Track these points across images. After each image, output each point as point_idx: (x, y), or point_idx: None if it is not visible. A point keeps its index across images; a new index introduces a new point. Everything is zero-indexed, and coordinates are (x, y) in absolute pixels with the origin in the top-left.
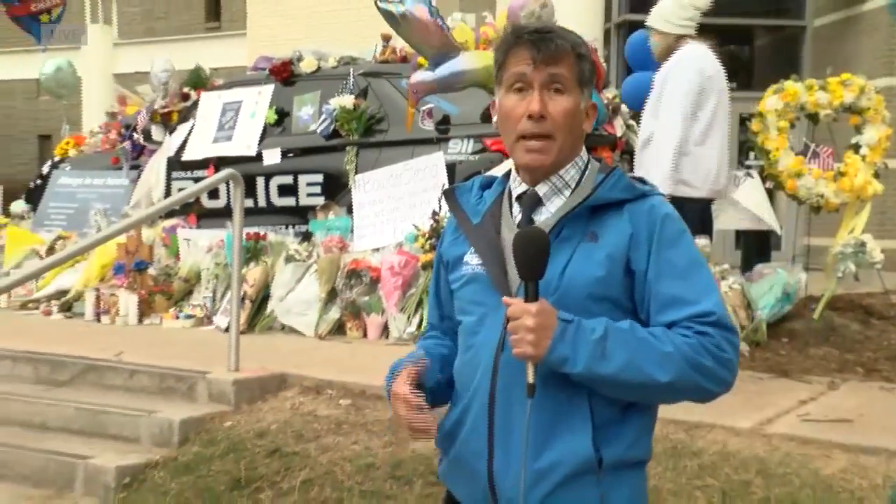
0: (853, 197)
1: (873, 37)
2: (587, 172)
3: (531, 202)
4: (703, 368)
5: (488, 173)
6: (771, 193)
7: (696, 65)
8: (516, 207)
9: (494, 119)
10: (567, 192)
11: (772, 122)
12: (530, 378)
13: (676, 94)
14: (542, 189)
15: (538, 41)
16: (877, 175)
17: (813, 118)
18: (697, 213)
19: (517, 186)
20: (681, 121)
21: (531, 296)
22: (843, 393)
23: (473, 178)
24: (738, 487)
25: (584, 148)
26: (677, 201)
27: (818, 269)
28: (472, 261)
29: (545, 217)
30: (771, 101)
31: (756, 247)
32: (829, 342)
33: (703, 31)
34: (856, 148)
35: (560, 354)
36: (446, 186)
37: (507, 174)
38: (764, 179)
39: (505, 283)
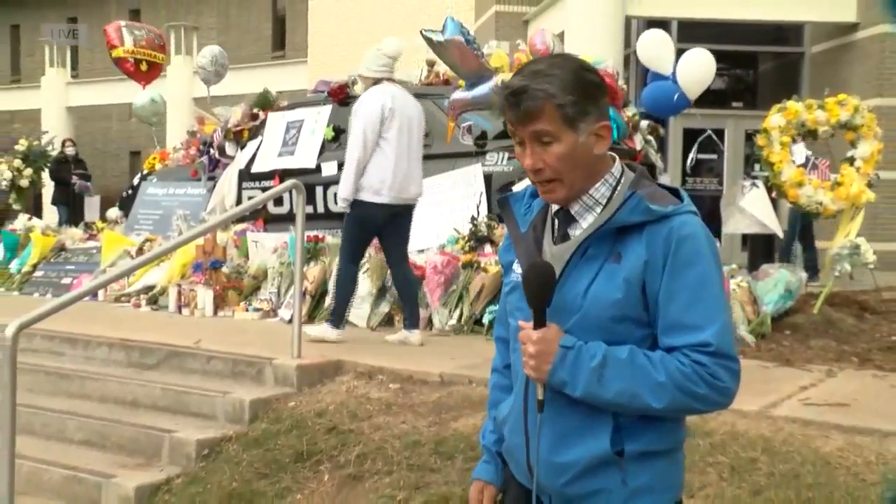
0: (848, 204)
1: (864, 62)
2: (619, 188)
3: (565, 220)
4: (696, 395)
5: (515, 186)
6: (774, 201)
7: (378, 100)
8: (557, 222)
9: None
10: (598, 209)
11: (775, 137)
12: (539, 395)
13: (358, 123)
14: (574, 208)
15: (513, 104)
16: (869, 184)
17: (812, 134)
18: (377, 218)
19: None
20: (360, 143)
21: (537, 322)
22: (840, 380)
23: (526, 187)
24: (745, 464)
25: (616, 162)
26: (365, 206)
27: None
28: (517, 269)
29: (579, 232)
30: (775, 118)
31: (761, 249)
32: (828, 334)
33: (720, 58)
34: (851, 161)
35: (559, 378)
36: (483, 196)
37: None
38: (768, 189)
39: None
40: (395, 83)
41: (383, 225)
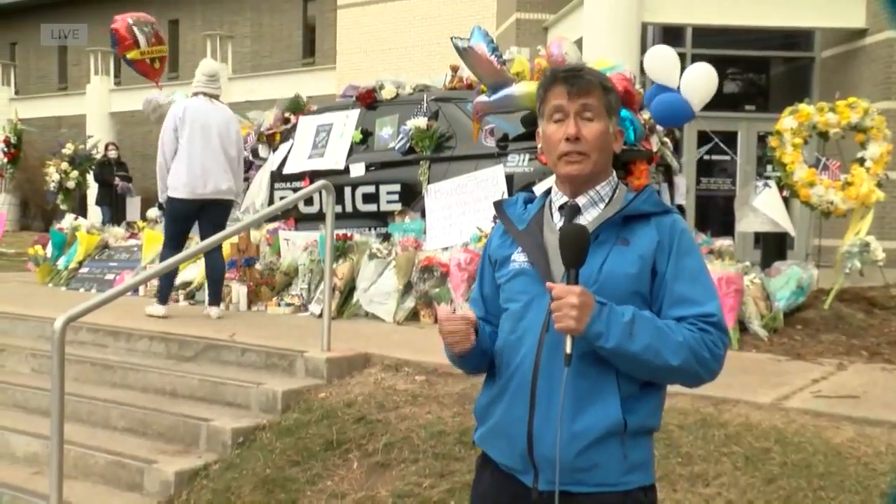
0: (858, 204)
1: (872, 67)
2: (618, 191)
3: (571, 211)
4: (702, 359)
5: (536, 187)
6: (787, 200)
7: (172, 112)
8: (557, 216)
9: (539, 145)
10: (602, 205)
11: (788, 139)
12: (568, 349)
13: (162, 130)
14: (581, 200)
15: (571, 78)
16: (879, 184)
17: (823, 136)
18: (182, 211)
19: (559, 199)
20: (160, 149)
21: (573, 280)
22: (850, 373)
23: (517, 195)
24: (759, 454)
25: (614, 172)
26: (172, 201)
27: (828, 265)
28: (520, 258)
29: (584, 224)
30: (787, 121)
31: (774, 246)
32: (838, 329)
33: (722, 62)
34: (861, 161)
35: (597, 330)
36: (505, 195)
37: (547, 191)
38: (781, 188)
39: (549, 275)
40: (202, 95)
41: (192, 216)
